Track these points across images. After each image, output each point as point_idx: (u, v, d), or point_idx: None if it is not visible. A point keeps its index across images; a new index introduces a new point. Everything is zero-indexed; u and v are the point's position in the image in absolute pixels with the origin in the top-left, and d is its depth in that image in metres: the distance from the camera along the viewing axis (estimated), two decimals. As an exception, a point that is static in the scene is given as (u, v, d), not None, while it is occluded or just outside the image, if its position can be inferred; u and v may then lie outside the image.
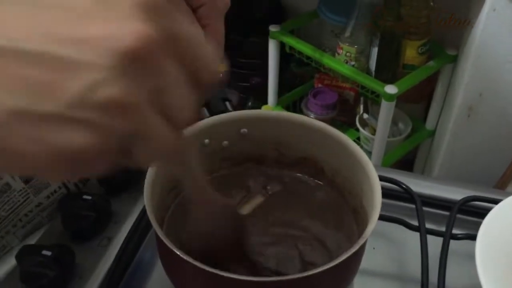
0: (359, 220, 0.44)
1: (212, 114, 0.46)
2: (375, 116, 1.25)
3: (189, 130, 0.42)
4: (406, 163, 1.40)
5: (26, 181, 0.49)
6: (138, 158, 0.23)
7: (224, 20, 0.48)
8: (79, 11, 0.20)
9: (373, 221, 0.38)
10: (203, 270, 0.33)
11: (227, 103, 0.47)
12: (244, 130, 0.47)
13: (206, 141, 0.46)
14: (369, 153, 1.24)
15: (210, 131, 0.45)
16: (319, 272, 0.34)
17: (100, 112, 0.20)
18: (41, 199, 0.51)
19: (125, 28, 0.20)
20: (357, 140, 1.33)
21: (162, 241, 0.35)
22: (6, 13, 0.20)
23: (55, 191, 0.52)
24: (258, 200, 0.47)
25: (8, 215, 0.48)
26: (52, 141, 0.20)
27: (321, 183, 0.49)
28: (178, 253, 0.34)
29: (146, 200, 0.37)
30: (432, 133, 1.29)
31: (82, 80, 0.20)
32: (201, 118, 0.46)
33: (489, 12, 0.96)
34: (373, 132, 1.23)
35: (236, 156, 0.48)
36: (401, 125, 1.31)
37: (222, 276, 0.33)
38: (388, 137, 1.19)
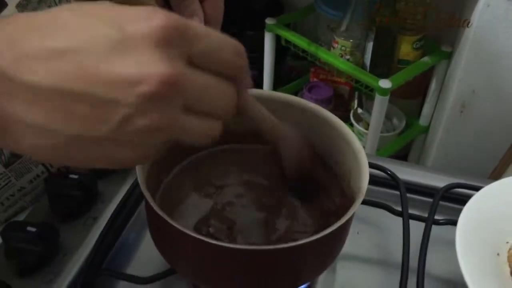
0: (346, 201, 0.45)
1: None
2: (369, 111, 1.25)
3: None
4: (400, 159, 1.40)
5: (6, 165, 0.48)
6: (192, 141, 0.27)
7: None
8: (103, 50, 0.23)
9: (361, 196, 0.38)
10: (194, 238, 0.34)
11: None
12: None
13: None
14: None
15: None
16: (305, 243, 0.34)
17: (138, 136, 0.25)
18: (23, 183, 0.51)
19: (144, 69, 0.23)
20: (351, 135, 1.33)
21: (152, 209, 0.35)
22: (44, 56, 0.23)
23: (38, 176, 0.52)
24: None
25: None
26: (106, 154, 0.25)
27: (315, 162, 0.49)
28: (169, 220, 0.34)
29: (138, 171, 0.38)
30: (426, 129, 1.29)
31: (118, 114, 0.24)
32: None
33: (483, 8, 0.97)
34: (367, 127, 1.23)
35: (226, 134, 0.48)
36: (395, 121, 1.32)
37: (211, 244, 0.33)
38: (382, 132, 1.19)
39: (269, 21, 1.24)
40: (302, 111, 0.47)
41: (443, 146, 1.18)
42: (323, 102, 1.32)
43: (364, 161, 0.41)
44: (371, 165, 0.52)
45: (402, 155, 1.39)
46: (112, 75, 0.23)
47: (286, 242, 0.42)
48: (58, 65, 0.23)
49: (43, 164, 0.52)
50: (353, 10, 1.14)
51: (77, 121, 0.24)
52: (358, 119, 1.29)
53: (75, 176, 0.48)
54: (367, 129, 1.22)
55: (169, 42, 0.24)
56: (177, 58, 0.25)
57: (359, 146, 0.43)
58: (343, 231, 0.41)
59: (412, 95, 1.34)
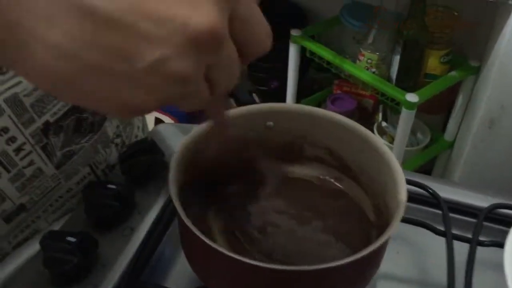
0: (382, 219, 0.44)
1: (239, 105, 0.46)
2: (394, 124, 1.24)
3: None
4: (423, 173, 1.39)
5: (57, 166, 0.49)
6: (181, 107, 0.27)
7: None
8: None
9: (397, 219, 0.37)
10: (227, 256, 0.33)
11: (254, 95, 0.47)
12: (270, 123, 0.47)
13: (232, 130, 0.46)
14: (386, 162, 1.23)
15: (237, 121, 0.45)
16: (338, 266, 0.33)
17: (163, 80, 0.24)
18: (71, 184, 0.51)
19: (197, 14, 0.23)
20: (374, 148, 1.32)
21: (185, 225, 0.35)
22: None
23: (84, 177, 0.52)
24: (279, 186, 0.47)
25: (39, 199, 0.48)
26: (117, 94, 0.24)
27: (345, 178, 0.48)
28: (201, 236, 0.34)
29: (171, 185, 0.37)
30: (451, 144, 1.28)
31: (156, 53, 0.23)
32: (228, 108, 0.46)
33: (515, 23, 0.95)
34: (391, 140, 1.22)
35: (262, 148, 0.47)
36: (419, 135, 1.30)
37: (245, 263, 0.33)
38: (406, 146, 1.18)
39: (294, 32, 1.24)
40: (332, 124, 0.46)
41: (470, 162, 1.16)
42: (347, 115, 1.30)
43: (401, 179, 0.40)
44: (410, 182, 0.51)
45: (425, 170, 1.37)
46: (165, 13, 0.22)
47: (321, 262, 0.42)
48: None
49: (90, 166, 0.52)
50: (380, 23, 1.13)
51: (108, 51, 0.22)
52: (382, 132, 1.28)
53: (113, 186, 0.47)
54: (391, 142, 1.21)
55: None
56: (226, 12, 0.24)
57: (395, 162, 0.42)
58: (379, 253, 0.40)
59: (437, 110, 1.32)
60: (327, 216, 0.45)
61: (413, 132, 1.27)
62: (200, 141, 0.42)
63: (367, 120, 1.35)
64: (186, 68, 0.24)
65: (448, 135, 1.28)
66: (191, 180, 0.42)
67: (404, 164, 1.22)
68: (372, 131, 1.26)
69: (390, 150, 0.43)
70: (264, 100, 1.50)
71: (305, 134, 0.47)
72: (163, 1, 0.23)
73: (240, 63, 0.27)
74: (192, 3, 0.23)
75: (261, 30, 0.27)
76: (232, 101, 0.46)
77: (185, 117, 1.50)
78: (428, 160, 1.29)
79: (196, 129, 0.42)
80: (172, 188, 0.37)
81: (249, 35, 0.27)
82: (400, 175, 0.40)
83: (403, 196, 0.38)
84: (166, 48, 0.23)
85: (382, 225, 0.43)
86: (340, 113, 1.41)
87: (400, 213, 0.37)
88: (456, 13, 1.12)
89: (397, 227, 0.37)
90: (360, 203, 0.46)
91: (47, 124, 0.46)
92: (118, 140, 0.56)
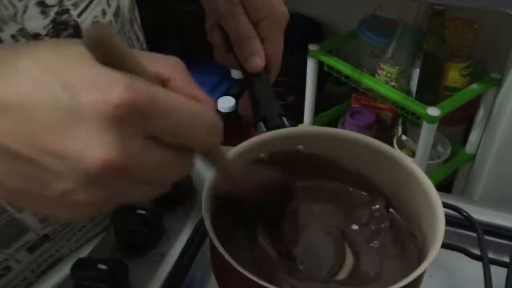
0: (418, 244, 0.43)
1: (268, 129, 0.46)
2: (413, 138, 1.23)
3: (245, 144, 0.42)
4: (445, 187, 1.37)
5: None
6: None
7: (282, 31, 0.48)
8: (53, 117, 0.23)
9: (435, 250, 0.36)
10: (258, 284, 0.32)
11: (284, 119, 0.47)
12: (300, 146, 0.46)
13: (262, 155, 0.45)
14: (406, 176, 1.22)
15: (267, 146, 0.45)
16: None
17: (77, 206, 0.25)
18: (95, 213, 0.51)
19: (91, 149, 0.23)
20: (394, 162, 1.30)
21: (217, 250, 0.34)
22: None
23: None
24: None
25: (62, 229, 0.48)
26: (47, 210, 0.26)
27: (377, 203, 0.47)
28: (233, 263, 0.33)
29: (204, 208, 0.37)
30: (473, 157, 1.26)
31: (60, 186, 0.24)
32: (258, 133, 0.45)
33: (539, 35, 0.94)
34: (411, 154, 1.21)
35: (291, 172, 0.47)
36: (439, 148, 1.29)
37: None
38: (427, 160, 1.16)
39: (312, 47, 1.24)
40: (366, 149, 0.45)
41: (493, 175, 1.14)
42: (365, 128, 1.30)
43: (438, 204, 0.39)
44: (443, 204, 0.50)
45: (447, 184, 1.35)
46: (59, 148, 0.23)
47: (350, 286, 0.41)
48: (5, 121, 0.23)
49: None
50: (399, 36, 1.12)
51: (25, 179, 0.24)
52: (402, 146, 1.26)
53: (142, 212, 0.47)
54: (411, 156, 1.20)
55: (124, 120, 0.23)
56: (131, 138, 0.24)
57: (430, 186, 0.41)
58: (417, 282, 0.39)
59: (457, 122, 1.31)
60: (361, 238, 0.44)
61: (433, 145, 1.25)
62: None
63: (386, 133, 1.34)
64: (93, 197, 0.24)
65: (469, 148, 1.26)
66: (223, 206, 0.41)
67: (425, 178, 1.20)
68: (392, 145, 1.26)
69: (424, 173, 0.42)
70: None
71: (335, 158, 0.47)
72: (60, 136, 0.23)
73: (190, 157, 0.27)
74: (87, 135, 0.23)
75: (198, 131, 0.26)
76: (261, 125, 0.45)
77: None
78: (450, 173, 1.27)
79: (230, 154, 0.42)
80: (206, 216, 0.36)
81: (185, 139, 0.26)
82: (437, 200, 0.39)
83: (441, 224, 0.37)
84: (68, 183, 0.24)
85: (420, 249, 0.42)
86: (359, 126, 1.39)
87: (439, 242, 0.36)
88: (476, 26, 1.11)
89: (434, 256, 0.36)
90: (395, 228, 0.45)
91: None
92: None
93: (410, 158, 0.43)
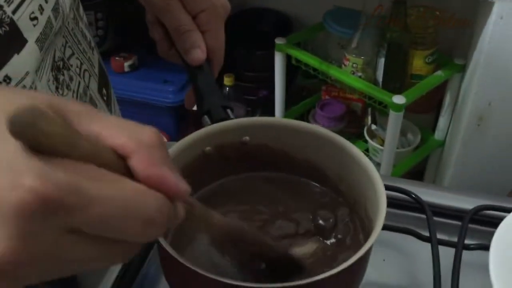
0: (365, 229, 0.43)
1: (213, 122, 0.46)
2: (383, 127, 1.24)
3: (189, 138, 0.41)
4: (416, 174, 1.39)
5: None
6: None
7: (225, 27, 0.48)
8: None
9: (378, 228, 0.37)
10: (209, 278, 0.32)
11: (229, 111, 0.47)
12: (246, 138, 0.46)
13: (208, 149, 0.45)
14: (378, 164, 1.23)
15: (212, 139, 0.45)
16: (322, 279, 0.33)
17: None
18: None
19: None
20: (366, 152, 1.31)
21: (164, 249, 0.34)
22: None
23: None
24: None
25: None
26: None
27: (325, 189, 0.48)
28: (181, 261, 0.33)
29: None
30: (442, 143, 1.28)
31: None
32: (202, 126, 0.45)
33: (496, 20, 0.96)
34: (382, 143, 1.22)
35: (239, 163, 0.47)
36: (410, 136, 1.30)
37: (228, 284, 0.32)
38: (397, 148, 1.18)
39: (278, 41, 1.24)
40: (312, 136, 0.45)
41: (461, 160, 1.15)
42: (336, 120, 1.31)
43: (381, 189, 0.39)
44: (394, 188, 0.51)
45: (418, 170, 1.37)
46: None
47: (303, 275, 0.41)
48: None
49: None
50: (363, 27, 1.13)
51: None
52: (372, 135, 1.27)
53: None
54: (381, 145, 1.21)
55: (30, 214, 0.20)
56: (41, 231, 0.21)
57: (373, 170, 0.41)
58: (361, 264, 0.39)
59: (425, 109, 1.32)
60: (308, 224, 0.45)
61: (403, 133, 1.26)
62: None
63: (356, 123, 1.35)
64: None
65: (438, 134, 1.28)
66: None
67: (396, 166, 1.21)
68: (363, 134, 1.27)
69: (367, 158, 0.42)
70: (253, 109, 1.50)
71: (282, 147, 0.47)
72: None
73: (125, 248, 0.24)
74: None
75: (133, 223, 0.23)
76: (206, 118, 0.45)
77: (177, 134, 1.50)
78: (420, 160, 1.28)
79: (173, 149, 0.42)
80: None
81: (116, 232, 0.23)
82: (380, 185, 0.40)
83: (382, 205, 0.38)
84: None
85: (365, 233, 0.42)
86: (330, 118, 1.40)
87: (381, 221, 0.37)
88: (438, 13, 1.12)
89: (375, 238, 0.36)
90: (342, 214, 0.46)
91: None
92: None
93: (354, 146, 0.44)
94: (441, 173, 1.28)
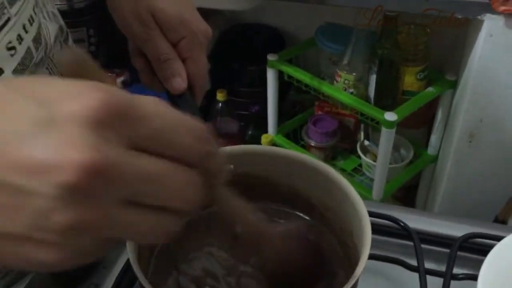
0: (351, 257, 0.43)
1: None
2: (376, 142, 1.23)
3: None
4: (410, 189, 1.38)
5: None
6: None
7: (218, 43, 0.47)
8: (25, 130, 0.20)
9: (362, 263, 0.36)
10: None
11: None
12: (230, 166, 0.46)
13: None
14: (371, 180, 1.22)
15: None
16: None
17: (58, 233, 0.21)
18: None
19: (65, 157, 0.20)
20: (359, 167, 1.31)
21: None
22: None
23: None
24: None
25: None
26: (25, 255, 0.22)
27: (311, 219, 0.47)
28: None
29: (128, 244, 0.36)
30: (435, 159, 1.27)
31: (34, 207, 0.20)
32: None
33: (486, 37, 0.96)
34: (375, 158, 1.21)
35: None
36: (402, 151, 1.30)
37: None
38: (390, 163, 1.17)
39: (270, 57, 1.24)
40: (297, 164, 0.45)
41: (453, 176, 1.15)
42: (329, 135, 1.31)
43: (366, 221, 0.39)
44: (381, 216, 0.50)
45: (411, 185, 1.37)
46: (31, 161, 0.20)
47: None
48: None
49: None
50: (354, 43, 1.13)
51: None
52: (365, 151, 1.27)
53: (76, 242, 0.46)
54: (375, 160, 1.21)
55: (103, 124, 0.21)
56: (112, 143, 0.21)
57: (359, 201, 0.40)
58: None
59: (418, 125, 1.32)
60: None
61: (396, 148, 1.26)
62: None
63: (349, 139, 1.34)
64: (78, 217, 0.20)
65: (431, 149, 1.27)
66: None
67: (389, 182, 1.21)
68: (355, 150, 1.27)
69: (352, 187, 0.42)
70: (246, 124, 1.50)
71: (267, 175, 0.46)
72: (31, 148, 0.20)
73: (194, 173, 0.24)
74: (63, 142, 0.20)
75: (184, 137, 0.24)
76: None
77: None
78: (413, 175, 1.28)
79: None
80: (131, 255, 0.35)
81: (171, 146, 0.23)
82: (365, 217, 0.39)
83: (367, 238, 0.37)
84: (42, 201, 0.20)
85: (352, 262, 0.42)
86: (322, 134, 1.39)
87: (365, 256, 0.36)
88: (428, 30, 1.13)
89: (360, 271, 0.36)
90: (328, 243, 0.45)
91: None
92: None
93: (336, 171, 0.43)
94: (434, 188, 1.28)
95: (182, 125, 0.24)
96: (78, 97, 0.21)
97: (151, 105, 0.23)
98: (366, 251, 0.37)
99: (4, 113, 0.21)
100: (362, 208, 0.40)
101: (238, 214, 0.33)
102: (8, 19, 0.40)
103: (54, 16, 0.49)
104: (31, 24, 0.43)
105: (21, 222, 0.21)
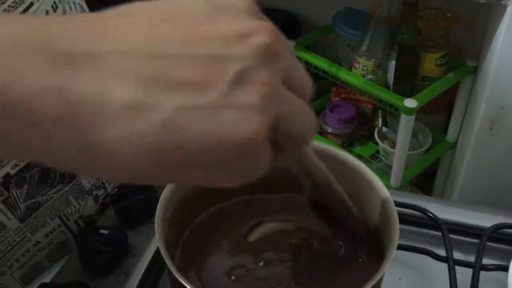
0: (378, 249, 0.43)
1: None
2: (394, 129, 1.22)
3: None
4: (428, 175, 1.37)
5: (22, 219, 0.47)
6: (286, 148, 0.26)
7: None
8: (201, 16, 0.23)
9: (389, 258, 0.36)
10: None
11: None
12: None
13: None
14: (388, 167, 1.22)
15: None
16: None
17: (253, 95, 0.22)
18: (38, 237, 0.49)
19: (259, 25, 0.23)
20: (376, 154, 1.30)
21: (173, 275, 0.34)
22: (140, 24, 0.22)
23: (54, 229, 0.50)
24: (273, 225, 0.46)
25: (3, 255, 0.47)
26: (217, 129, 0.21)
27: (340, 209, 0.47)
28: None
29: (157, 231, 0.36)
30: (454, 145, 1.26)
31: (234, 69, 0.22)
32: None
33: (509, 23, 0.94)
34: (393, 145, 1.20)
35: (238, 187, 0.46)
36: (421, 137, 1.28)
37: None
38: (408, 150, 1.16)
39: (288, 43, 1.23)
40: (327, 157, 0.45)
41: (473, 163, 1.14)
42: (346, 122, 1.30)
43: (394, 214, 0.39)
44: (409, 206, 0.50)
45: (430, 172, 1.36)
46: (222, 30, 0.22)
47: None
48: (160, 30, 0.21)
49: (60, 218, 0.51)
50: (373, 29, 1.12)
51: (188, 87, 0.21)
52: (383, 137, 1.26)
53: (105, 231, 0.46)
54: (392, 147, 1.20)
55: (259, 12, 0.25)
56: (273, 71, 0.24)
57: (386, 195, 0.40)
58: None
59: (437, 110, 1.30)
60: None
61: (414, 134, 1.25)
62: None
63: (367, 125, 1.33)
64: (268, 76, 0.23)
65: (450, 136, 1.26)
66: (182, 222, 0.41)
67: (408, 169, 1.20)
68: (373, 136, 1.26)
69: (379, 178, 0.41)
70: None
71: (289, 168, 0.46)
72: (211, 21, 0.22)
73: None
74: (239, 19, 0.23)
75: (308, 88, 0.27)
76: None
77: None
78: (432, 161, 1.27)
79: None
80: (160, 240, 0.36)
81: (300, 86, 0.26)
82: (391, 206, 0.39)
83: (395, 234, 0.37)
84: (241, 62, 0.22)
85: (380, 254, 0.41)
86: (340, 120, 1.38)
87: (393, 249, 0.36)
88: (449, 15, 1.11)
89: (388, 263, 0.36)
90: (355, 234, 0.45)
91: (7, 176, 0.44)
92: (99, 192, 0.53)
93: (359, 161, 0.43)
94: (453, 175, 1.27)
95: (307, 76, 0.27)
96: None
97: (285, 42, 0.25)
98: (393, 248, 0.36)
99: (186, 7, 0.23)
100: (389, 199, 0.39)
101: (324, 180, 0.37)
102: (31, 4, 0.40)
103: (81, 8, 0.49)
104: (54, 11, 0.42)
105: (218, 89, 0.21)
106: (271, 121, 0.23)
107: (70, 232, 0.52)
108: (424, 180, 1.40)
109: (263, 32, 0.23)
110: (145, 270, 0.46)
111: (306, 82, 0.27)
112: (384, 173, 1.24)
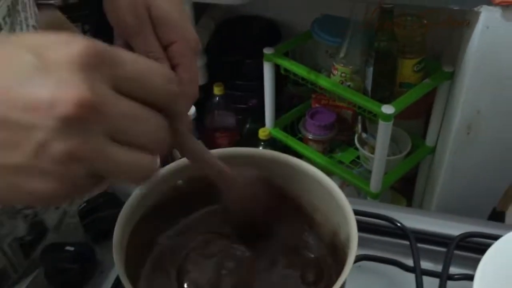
0: (339, 258, 0.42)
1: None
2: (373, 135, 1.23)
3: (162, 171, 0.42)
4: (408, 180, 1.38)
5: None
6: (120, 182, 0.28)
7: (214, 36, 0.46)
8: (23, 75, 0.23)
9: (349, 265, 0.36)
10: None
11: (199, 142, 0.46)
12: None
13: (179, 182, 0.44)
14: (369, 172, 1.22)
15: (184, 172, 0.44)
16: None
17: (56, 162, 0.24)
18: None
19: (63, 93, 0.23)
20: (357, 160, 1.31)
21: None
22: None
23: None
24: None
25: None
26: (24, 186, 0.24)
27: (299, 220, 0.47)
28: None
29: (115, 255, 0.36)
30: (433, 150, 1.27)
31: (35, 139, 0.23)
32: (173, 159, 0.44)
33: (482, 29, 0.95)
34: (372, 151, 1.21)
35: (212, 196, 0.46)
36: (400, 143, 1.29)
37: None
38: (388, 155, 1.17)
39: (266, 51, 1.23)
40: (285, 166, 0.45)
41: (451, 168, 1.15)
42: (326, 128, 1.30)
43: (353, 223, 0.38)
44: (377, 216, 0.50)
45: (410, 177, 1.37)
46: (29, 98, 0.23)
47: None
48: None
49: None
50: (350, 36, 1.13)
51: None
52: (363, 143, 1.27)
53: (71, 248, 0.46)
54: (372, 153, 1.20)
55: (90, 66, 0.24)
56: (99, 82, 0.24)
57: (345, 202, 0.40)
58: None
59: (415, 116, 1.32)
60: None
61: (394, 140, 1.26)
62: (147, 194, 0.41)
63: (347, 131, 1.34)
64: (74, 146, 0.23)
65: (429, 141, 1.27)
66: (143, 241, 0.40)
67: (388, 174, 1.21)
68: (353, 142, 1.26)
69: (339, 188, 0.41)
70: (243, 117, 1.49)
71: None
72: (29, 88, 0.23)
73: (163, 118, 0.27)
74: (56, 80, 0.23)
75: (155, 80, 0.27)
76: (177, 152, 0.44)
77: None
78: (412, 166, 1.28)
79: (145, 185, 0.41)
80: (119, 265, 0.35)
81: (144, 88, 0.26)
82: (351, 217, 0.39)
83: (354, 244, 0.37)
84: (42, 133, 0.23)
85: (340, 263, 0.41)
86: (320, 126, 1.38)
87: (352, 257, 0.36)
88: (425, 22, 1.12)
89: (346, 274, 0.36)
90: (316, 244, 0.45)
91: None
92: (28, 211, 0.51)
93: (318, 170, 0.43)
94: (432, 179, 1.28)
95: (153, 68, 0.27)
96: (67, 44, 0.24)
97: (126, 52, 0.26)
98: (351, 256, 0.36)
99: (1, 61, 0.24)
100: (347, 206, 0.39)
101: (198, 155, 0.36)
102: None
103: (35, 29, 0.48)
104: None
105: (22, 153, 0.23)
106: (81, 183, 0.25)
107: (5, 256, 0.49)
108: (405, 185, 1.41)
109: (69, 101, 0.23)
110: (112, 286, 0.45)
111: (136, 128, 0.26)
112: (365, 178, 1.24)
